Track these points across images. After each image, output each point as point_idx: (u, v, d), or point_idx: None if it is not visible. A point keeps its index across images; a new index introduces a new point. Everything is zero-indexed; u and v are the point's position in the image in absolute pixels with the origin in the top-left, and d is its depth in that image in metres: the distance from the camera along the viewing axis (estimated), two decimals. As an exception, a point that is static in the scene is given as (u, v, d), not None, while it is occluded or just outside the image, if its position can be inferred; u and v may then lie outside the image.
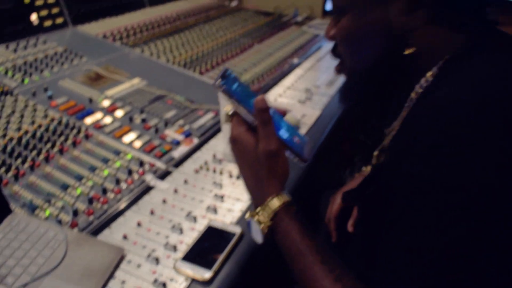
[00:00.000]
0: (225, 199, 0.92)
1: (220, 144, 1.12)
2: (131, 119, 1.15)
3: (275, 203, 0.64)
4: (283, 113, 0.71)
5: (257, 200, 0.67)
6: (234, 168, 1.02)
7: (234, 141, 0.68)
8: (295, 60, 1.77)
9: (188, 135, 1.14)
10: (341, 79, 1.62)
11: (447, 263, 0.47)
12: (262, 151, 0.64)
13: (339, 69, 0.74)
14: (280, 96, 1.45)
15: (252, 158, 0.66)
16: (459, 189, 0.47)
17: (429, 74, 0.61)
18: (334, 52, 0.73)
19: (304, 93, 1.48)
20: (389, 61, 0.66)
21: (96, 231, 0.83)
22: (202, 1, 2.21)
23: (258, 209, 0.66)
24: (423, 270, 0.48)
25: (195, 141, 1.13)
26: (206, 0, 2.26)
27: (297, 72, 1.67)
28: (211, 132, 1.17)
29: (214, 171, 1.01)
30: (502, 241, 0.47)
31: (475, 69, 0.55)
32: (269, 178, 0.65)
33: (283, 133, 0.66)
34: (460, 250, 0.47)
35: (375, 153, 0.81)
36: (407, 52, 0.62)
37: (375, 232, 0.59)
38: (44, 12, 1.51)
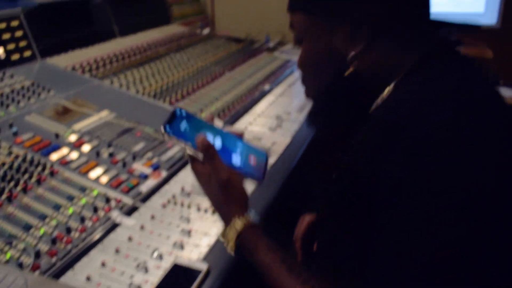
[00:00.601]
0: (192, 234, 0.91)
1: (189, 176, 1.11)
2: (98, 154, 1.14)
3: (238, 224, 0.71)
4: (240, 135, 0.79)
5: (225, 222, 0.75)
6: (202, 201, 1.02)
7: (194, 175, 0.76)
8: (266, 87, 1.79)
9: (156, 168, 1.13)
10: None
11: (440, 266, 0.47)
12: (214, 182, 0.72)
13: (306, 94, 0.82)
14: (250, 124, 1.46)
15: (209, 188, 0.74)
16: (445, 192, 0.49)
17: (386, 91, 0.66)
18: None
19: (275, 120, 1.49)
20: (344, 84, 0.71)
21: (59, 273, 0.81)
22: (173, 30, 2.23)
23: (226, 229, 0.73)
24: (414, 273, 0.49)
25: (163, 174, 1.12)
26: (178, 29, 2.27)
27: (268, 98, 1.69)
28: (180, 164, 1.17)
29: (182, 204, 1.01)
30: (500, 241, 0.48)
31: (424, 81, 0.60)
32: (228, 204, 0.73)
33: (236, 160, 0.74)
34: (451, 252, 0.48)
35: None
36: (347, 73, 0.68)
37: (333, 250, 0.67)
38: (11, 46, 1.50)
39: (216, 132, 0.75)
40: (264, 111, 1.57)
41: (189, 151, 0.72)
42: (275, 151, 1.27)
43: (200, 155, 0.72)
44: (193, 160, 0.74)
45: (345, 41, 0.67)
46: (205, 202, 1.01)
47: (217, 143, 0.74)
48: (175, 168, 1.15)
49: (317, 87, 0.78)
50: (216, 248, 0.88)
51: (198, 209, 0.99)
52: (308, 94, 0.81)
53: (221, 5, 2.72)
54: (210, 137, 0.73)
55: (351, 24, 0.66)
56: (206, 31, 2.45)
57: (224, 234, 0.74)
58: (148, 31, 2.11)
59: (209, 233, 0.92)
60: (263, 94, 1.71)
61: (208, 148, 0.70)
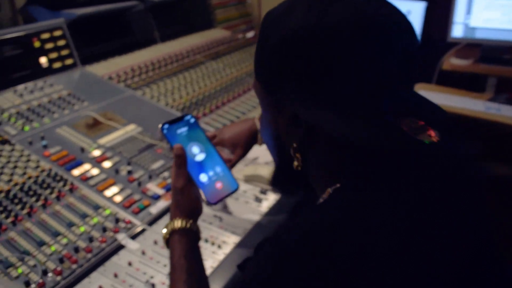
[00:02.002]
0: (188, 264, 0.96)
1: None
2: (117, 171, 1.20)
3: (176, 224, 0.79)
4: (227, 160, 0.91)
5: (170, 218, 0.83)
6: (205, 230, 1.06)
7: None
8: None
9: (169, 189, 1.18)
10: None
11: None
12: (171, 186, 0.82)
13: None
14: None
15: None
16: None
17: (326, 192, 0.61)
18: None
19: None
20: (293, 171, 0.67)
21: (61, 293, 0.89)
22: (215, 35, 2.26)
23: (167, 224, 0.81)
24: None
25: (176, 195, 1.17)
26: (220, 33, 2.31)
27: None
28: (193, 185, 1.21)
29: (185, 231, 1.05)
30: None
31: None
32: (175, 207, 0.81)
33: (203, 177, 0.82)
34: None
35: None
36: (295, 165, 0.64)
37: None
38: (54, 55, 1.60)
39: (206, 149, 0.85)
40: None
41: (170, 153, 0.86)
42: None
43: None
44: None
45: (286, 128, 0.63)
46: (208, 231, 1.06)
47: (200, 157, 0.84)
48: (187, 190, 1.19)
49: (274, 159, 0.76)
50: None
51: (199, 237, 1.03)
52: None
53: (268, 7, 2.71)
54: (196, 149, 0.84)
55: (290, 111, 0.61)
56: (250, 34, 2.46)
57: (166, 226, 0.82)
58: (190, 36, 2.16)
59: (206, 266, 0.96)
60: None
61: (179, 156, 0.80)
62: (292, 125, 0.61)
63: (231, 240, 1.04)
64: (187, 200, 0.81)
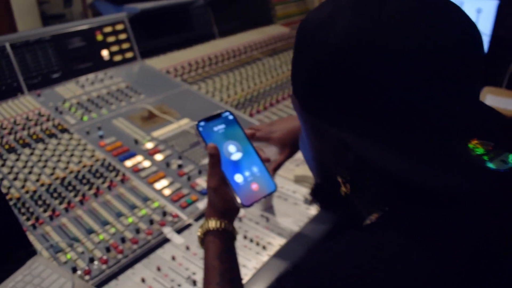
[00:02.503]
0: (231, 263, 0.94)
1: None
2: (168, 164, 1.21)
3: (210, 223, 0.76)
4: (266, 159, 0.83)
5: (205, 217, 0.80)
6: (251, 229, 1.04)
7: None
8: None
9: (217, 185, 1.17)
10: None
11: None
12: (207, 185, 0.78)
13: None
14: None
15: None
16: None
17: (373, 216, 0.57)
18: None
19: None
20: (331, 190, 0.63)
21: (105, 281, 0.90)
22: (274, 31, 2.24)
23: (202, 224, 0.79)
24: None
25: (223, 191, 1.15)
26: (279, 29, 2.28)
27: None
28: (241, 183, 1.19)
29: (230, 229, 1.03)
30: None
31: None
32: (209, 207, 0.79)
33: (238, 177, 0.76)
34: None
35: None
36: (342, 191, 0.58)
37: None
38: (115, 48, 1.64)
39: (244, 148, 0.79)
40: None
41: (205, 150, 0.79)
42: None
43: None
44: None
45: (332, 154, 0.57)
46: (253, 231, 1.03)
47: (236, 156, 0.78)
48: (235, 187, 1.18)
49: (314, 176, 0.71)
50: (251, 283, 0.90)
51: (245, 237, 1.02)
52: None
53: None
54: (233, 148, 0.78)
55: (336, 138, 0.54)
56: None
57: (201, 226, 0.79)
58: (248, 32, 2.15)
59: (247, 266, 0.94)
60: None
61: (213, 155, 0.75)
62: (340, 152, 0.54)
63: (277, 242, 1.01)
64: (221, 200, 0.77)
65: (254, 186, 0.77)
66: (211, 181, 0.76)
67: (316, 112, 0.54)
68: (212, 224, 0.76)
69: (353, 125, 0.49)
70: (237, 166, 0.77)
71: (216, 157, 0.75)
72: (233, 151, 0.78)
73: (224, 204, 0.77)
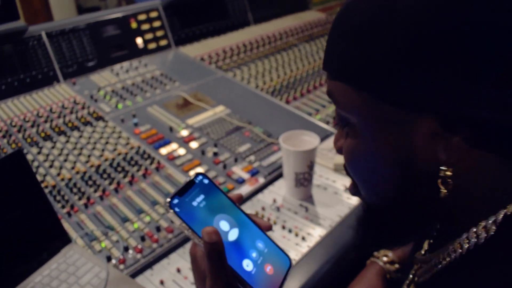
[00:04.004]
0: (269, 254, 0.90)
1: (283, 187, 1.09)
2: (203, 152, 1.18)
3: None
4: (267, 227, 0.57)
5: None
6: (289, 219, 0.99)
7: (191, 261, 0.57)
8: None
9: (254, 173, 1.13)
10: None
11: None
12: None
13: (353, 191, 0.58)
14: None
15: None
16: None
17: (481, 225, 0.44)
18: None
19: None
20: (415, 202, 0.50)
21: (140, 270, 0.87)
22: (310, 17, 2.17)
23: None
24: None
25: (261, 180, 1.11)
26: (315, 15, 2.21)
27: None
28: (279, 171, 1.15)
29: (268, 219, 0.99)
30: None
31: None
32: None
33: (247, 264, 0.53)
34: None
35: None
36: (442, 193, 0.45)
37: None
38: (149, 36, 1.62)
39: (236, 219, 0.55)
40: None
41: (193, 237, 0.51)
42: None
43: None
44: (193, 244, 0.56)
45: (429, 141, 0.44)
46: (292, 221, 0.99)
47: (233, 235, 0.54)
48: (273, 176, 1.13)
49: (377, 198, 0.53)
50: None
51: (283, 227, 0.97)
52: (366, 199, 0.57)
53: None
54: (225, 224, 0.54)
55: (442, 121, 0.42)
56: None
57: None
58: (283, 18, 2.09)
59: (286, 257, 0.89)
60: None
61: (214, 245, 0.47)
62: (436, 141, 0.43)
63: (316, 233, 0.96)
64: None
65: (269, 269, 0.54)
66: (215, 284, 0.49)
67: (408, 98, 0.42)
68: None
69: (475, 96, 0.40)
70: (239, 249, 0.53)
71: (216, 247, 0.47)
72: (227, 229, 0.54)
73: None
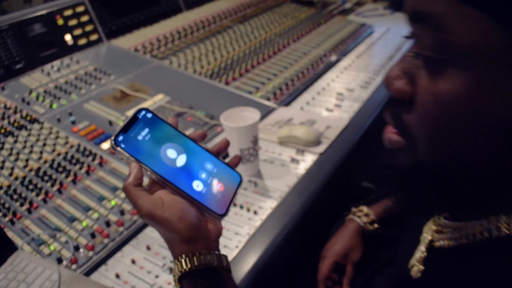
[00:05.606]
0: (223, 232, 0.90)
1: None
2: (146, 142, 1.16)
3: (181, 265, 0.54)
4: (224, 145, 0.66)
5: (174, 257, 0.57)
6: (240, 195, 1.00)
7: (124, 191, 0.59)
8: (333, 58, 1.68)
9: (200, 156, 1.13)
10: (378, 80, 1.51)
11: None
12: (140, 215, 0.55)
13: (402, 155, 0.48)
14: (307, 104, 1.39)
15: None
16: None
17: None
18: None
19: (335, 98, 1.40)
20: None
21: (94, 267, 0.85)
22: (242, -2, 2.16)
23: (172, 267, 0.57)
24: None
25: (208, 163, 1.11)
26: (247, -4, 2.21)
27: (332, 73, 1.59)
28: (224, 154, 1.15)
29: (219, 198, 0.99)
30: None
31: None
32: (168, 242, 0.57)
33: (197, 185, 0.58)
34: None
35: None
36: None
37: None
38: (78, 31, 1.56)
39: (184, 146, 0.60)
40: (325, 87, 1.48)
41: (143, 169, 0.56)
42: (327, 138, 1.19)
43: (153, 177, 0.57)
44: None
45: None
46: (243, 198, 1.00)
47: (181, 161, 0.59)
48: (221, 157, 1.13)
49: (447, 163, 0.43)
50: (242, 254, 0.87)
51: (234, 204, 0.98)
52: (420, 159, 0.45)
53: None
54: (172, 152, 0.58)
55: None
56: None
57: (172, 271, 0.57)
58: (215, 2, 2.08)
59: (240, 233, 0.90)
60: (328, 68, 1.61)
61: (131, 175, 0.54)
62: None
63: (268, 205, 0.97)
64: (178, 225, 0.53)
65: (219, 186, 0.60)
66: (141, 208, 0.53)
67: None
68: (183, 264, 0.53)
69: None
70: (188, 172, 0.58)
71: (126, 188, 0.54)
72: (175, 156, 0.58)
73: (187, 229, 0.53)
